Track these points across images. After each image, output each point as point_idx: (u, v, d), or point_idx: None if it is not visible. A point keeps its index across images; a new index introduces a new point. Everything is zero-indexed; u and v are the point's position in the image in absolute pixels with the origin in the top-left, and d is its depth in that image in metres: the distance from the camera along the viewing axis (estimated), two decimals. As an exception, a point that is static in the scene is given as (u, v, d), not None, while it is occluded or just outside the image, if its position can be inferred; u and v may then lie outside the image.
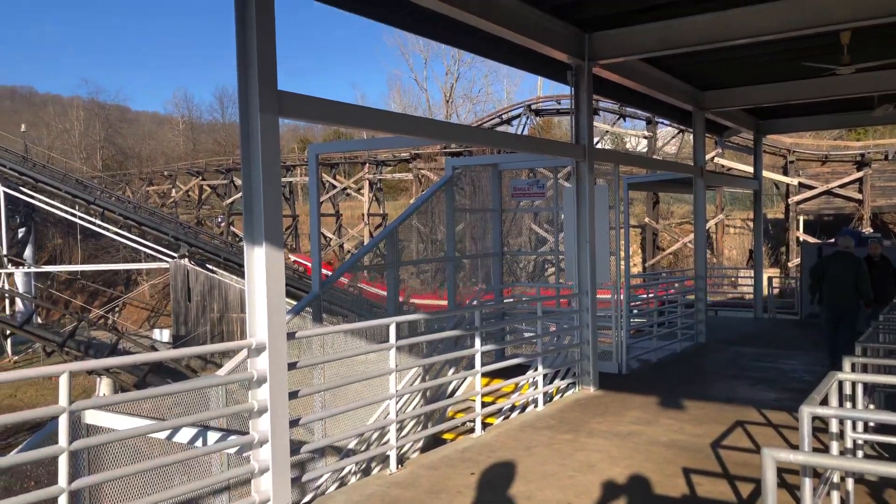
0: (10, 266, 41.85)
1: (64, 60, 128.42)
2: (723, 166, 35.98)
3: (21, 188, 41.95)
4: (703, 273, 14.02)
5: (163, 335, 40.45)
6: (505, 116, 44.19)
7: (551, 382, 9.47)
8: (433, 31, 9.32)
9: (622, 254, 11.36)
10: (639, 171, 16.48)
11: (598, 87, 10.62)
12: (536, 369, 9.03)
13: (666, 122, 34.07)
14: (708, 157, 29.43)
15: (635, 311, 13.32)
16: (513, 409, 9.19)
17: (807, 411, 3.88)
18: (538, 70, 10.93)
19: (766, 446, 3.31)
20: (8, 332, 33.79)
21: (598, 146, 15.01)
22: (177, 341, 37.59)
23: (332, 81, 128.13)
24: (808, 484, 3.44)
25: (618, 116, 40.01)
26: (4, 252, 41.41)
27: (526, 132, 41.83)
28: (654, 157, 34.80)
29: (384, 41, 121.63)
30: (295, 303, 10.97)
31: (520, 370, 9.42)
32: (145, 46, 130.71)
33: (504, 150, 14.08)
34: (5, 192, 40.82)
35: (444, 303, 15.54)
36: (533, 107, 42.56)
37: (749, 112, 16.47)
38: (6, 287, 40.30)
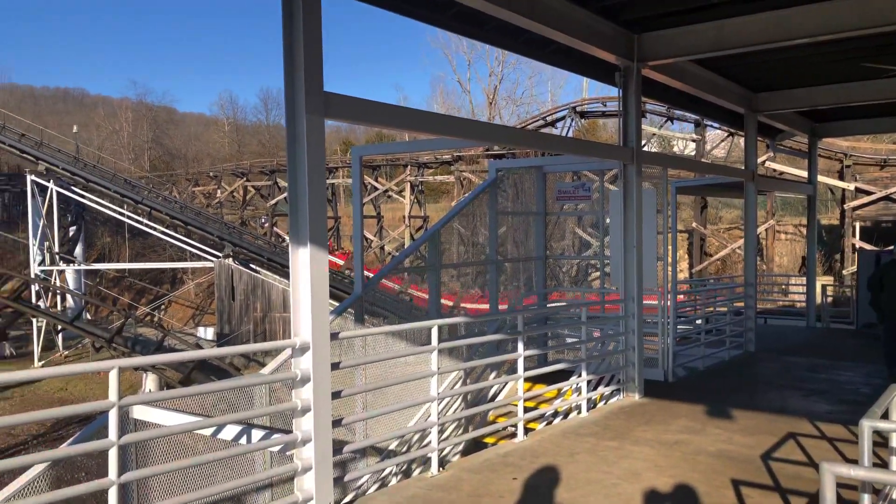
0: (61, 263, 43.03)
1: (113, 63, 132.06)
2: (774, 170, 35.14)
3: (72, 188, 43.09)
4: (754, 280, 13.69)
5: (207, 333, 41.18)
6: (549, 118, 43.85)
7: (595, 389, 9.33)
8: (478, 32, 9.27)
9: (669, 259, 11.15)
10: (687, 174, 16.18)
11: (647, 88, 10.44)
12: (580, 375, 8.90)
13: (715, 124, 33.43)
14: (759, 160, 28.76)
15: (682, 318, 13.07)
16: (555, 414, 9.08)
17: (867, 425, 3.74)
18: (584, 71, 10.79)
19: (825, 461, 3.19)
20: (59, 327, 34.79)
21: (645, 149, 14.73)
22: (221, 339, 38.22)
23: (375, 83, 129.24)
24: (867, 500, 3.32)
25: (665, 119, 39.39)
26: (56, 250, 42.58)
27: (570, 134, 41.46)
28: (703, 160, 34.19)
29: (428, 42, 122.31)
30: (337, 303, 11.02)
31: (563, 375, 9.30)
32: (192, 49, 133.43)
33: (548, 153, 13.96)
34: (58, 192, 41.96)
35: (475, 305, 15.45)
36: (578, 109, 42.17)
37: (804, 114, 16.02)
38: (57, 284, 41.44)
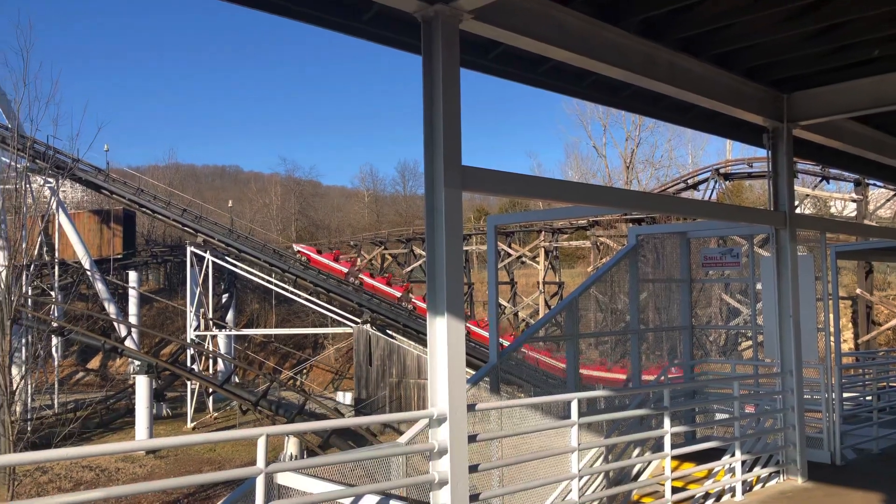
0: (214, 329, 45.86)
1: (265, 142, 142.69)
2: (954, 229, 32.00)
3: (226, 258, 46.19)
4: (932, 351, 12.33)
5: (345, 398, 42.21)
6: (691, 181, 42.56)
7: (750, 470, 8.61)
8: (616, 100, 9.19)
9: (831, 329, 10.26)
10: (847, 237, 15.01)
11: (798, 148, 9.86)
12: (734, 454, 8.26)
13: (879, 183, 31.06)
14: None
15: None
16: (706, 496, 8.43)
17: None
18: (729, 133, 10.40)
19: None
20: (210, 389, 36.84)
21: (798, 211, 13.83)
22: (358, 404, 39.03)
23: (508, 149, 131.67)
24: None
25: (820, 178, 37.10)
26: (210, 316, 45.49)
27: (714, 197, 40.00)
28: (866, 222, 31.68)
29: (563, 109, 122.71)
30: (472, 371, 10.93)
31: (714, 454, 8.67)
32: (335, 127, 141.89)
33: (691, 218, 13.43)
34: (213, 262, 45.08)
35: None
36: (721, 170, 40.69)
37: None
38: (210, 348, 44.12)
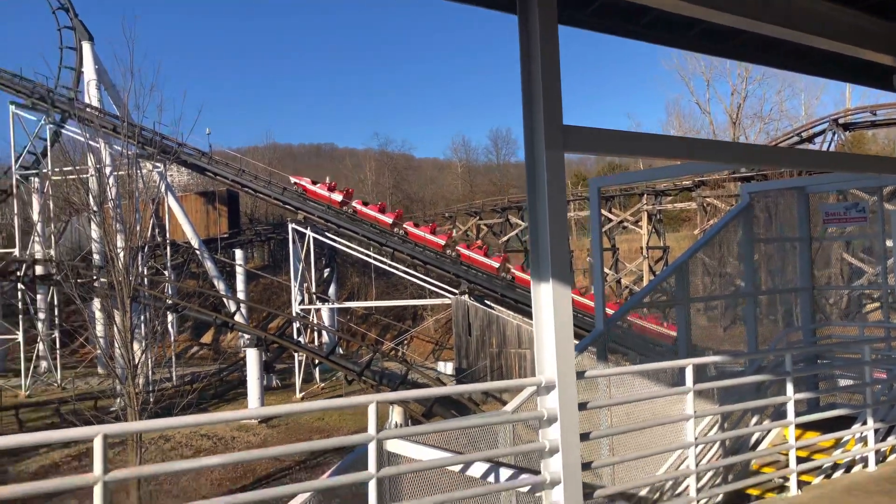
0: (317, 302, 47.25)
1: (358, 118, 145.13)
2: None
3: (326, 234, 47.32)
4: None
5: (447, 367, 42.72)
6: (805, 134, 39.97)
7: (884, 439, 8.05)
8: (725, 49, 8.64)
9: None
10: None
11: (932, 89, 9.01)
12: (865, 422, 7.73)
13: None
14: None
15: None
16: (835, 466, 7.96)
17: None
18: (851, 77, 9.60)
19: None
20: (316, 361, 38.08)
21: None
22: (459, 373, 39.41)
23: (605, 112, 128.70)
24: None
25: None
26: (313, 290, 46.85)
27: (833, 150, 37.66)
28: None
29: (662, 66, 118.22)
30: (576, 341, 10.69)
31: (838, 423, 8.15)
32: (427, 99, 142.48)
33: (808, 172, 12.60)
34: (314, 238, 46.28)
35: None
36: (840, 120, 38.04)
37: None
38: (315, 321, 45.51)
